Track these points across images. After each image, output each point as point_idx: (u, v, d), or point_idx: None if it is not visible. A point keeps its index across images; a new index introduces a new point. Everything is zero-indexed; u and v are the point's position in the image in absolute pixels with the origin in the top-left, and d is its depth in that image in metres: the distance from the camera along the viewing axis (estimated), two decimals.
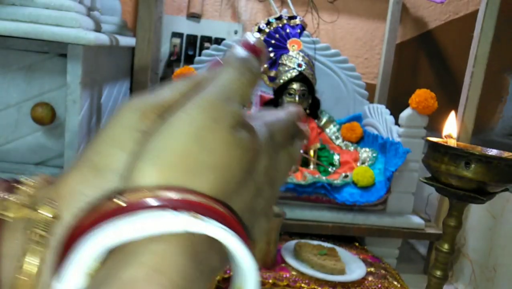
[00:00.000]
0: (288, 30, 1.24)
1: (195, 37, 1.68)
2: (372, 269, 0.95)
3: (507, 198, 0.99)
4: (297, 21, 1.26)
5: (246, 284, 0.18)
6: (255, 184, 0.20)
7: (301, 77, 1.18)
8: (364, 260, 0.97)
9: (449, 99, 1.26)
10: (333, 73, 1.38)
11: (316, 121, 1.28)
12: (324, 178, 1.06)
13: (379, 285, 0.88)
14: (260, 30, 1.25)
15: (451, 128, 0.75)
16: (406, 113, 1.09)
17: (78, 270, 0.15)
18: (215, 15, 1.72)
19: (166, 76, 1.64)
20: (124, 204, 0.16)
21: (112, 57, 1.25)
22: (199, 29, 1.69)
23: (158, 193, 0.16)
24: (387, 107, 1.25)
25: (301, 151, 1.18)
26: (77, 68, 0.89)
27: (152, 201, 0.16)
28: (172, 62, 1.65)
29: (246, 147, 0.19)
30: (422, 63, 1.64)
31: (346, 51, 1.74)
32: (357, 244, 1.09)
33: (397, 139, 1.09)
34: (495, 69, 1.13)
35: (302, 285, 0.85)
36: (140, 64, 1.03)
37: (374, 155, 1.16)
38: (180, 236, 0.16)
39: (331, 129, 1.35)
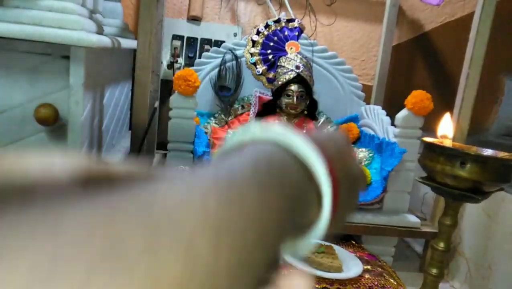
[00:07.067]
0: (286, 33, 1.26)
1: (195, 39, 1.69)
2: (369, 267, 0.96)
3: (502, 197, 1.00)
4: (295, 24, 1.28)
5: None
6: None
7: (299, 79, 1.19)
8: (360, 258, 0.98)
9: (444, 100, 1.27)
10: (330, 75, 1.40)
11: (314, 122, 1.30)
12: None
13: (376, 283, 0.89)
14: (259, 33, 1.26)
15: (446, 128, 0.77)
16: (402, 114, 1.10)
17: None
18: (215, 18, 1.74)
19: (166, 78, 1.66)
20: None
21: (114, 59, 1.26)
22: (199, 31, 1.70)
23: None
24: (383, 108, 1.26)
25: None
26: (80, 69, 0.91)
27: None
28: (173, 64, 1.67)
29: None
30: (418, 65, 1.65)
31: (343, 53, 1.76)
32: (354, 242, 1.10)
33: (393, 140, 1.10)
34: (491, 71, 1.14)
35: None
36: (141, 66, 1.04)
37: (371, 155, 1.18)
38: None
39: (329, 130, 1.36)
